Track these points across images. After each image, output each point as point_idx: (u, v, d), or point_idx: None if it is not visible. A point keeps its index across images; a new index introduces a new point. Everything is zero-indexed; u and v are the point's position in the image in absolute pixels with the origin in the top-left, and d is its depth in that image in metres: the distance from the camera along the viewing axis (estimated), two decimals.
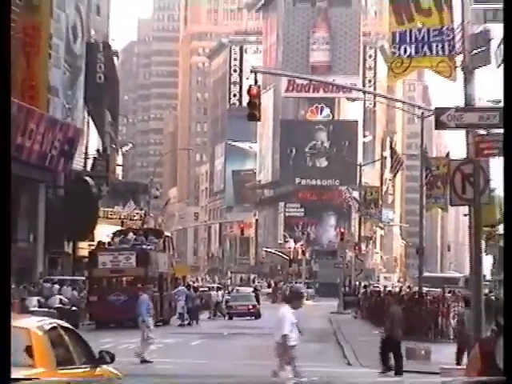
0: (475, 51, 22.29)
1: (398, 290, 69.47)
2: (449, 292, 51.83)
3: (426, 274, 67.93)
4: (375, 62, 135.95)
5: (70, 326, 15.28)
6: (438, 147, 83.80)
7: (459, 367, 24.89)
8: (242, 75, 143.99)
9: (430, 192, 46.02)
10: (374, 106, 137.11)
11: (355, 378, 23.72)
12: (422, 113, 49.41)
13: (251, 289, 73.28)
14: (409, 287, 79.45)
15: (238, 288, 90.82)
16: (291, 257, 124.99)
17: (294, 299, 21.32)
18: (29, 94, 60.13)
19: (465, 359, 24.63)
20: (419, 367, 29.76)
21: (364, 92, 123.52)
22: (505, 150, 6.95)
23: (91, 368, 13.58)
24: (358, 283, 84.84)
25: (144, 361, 32.79)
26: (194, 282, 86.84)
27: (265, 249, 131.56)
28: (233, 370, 30.11)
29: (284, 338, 20.22)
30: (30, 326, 13.26)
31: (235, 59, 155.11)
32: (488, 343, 7.53)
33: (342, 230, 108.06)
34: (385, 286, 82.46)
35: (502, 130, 21.04)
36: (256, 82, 45.43)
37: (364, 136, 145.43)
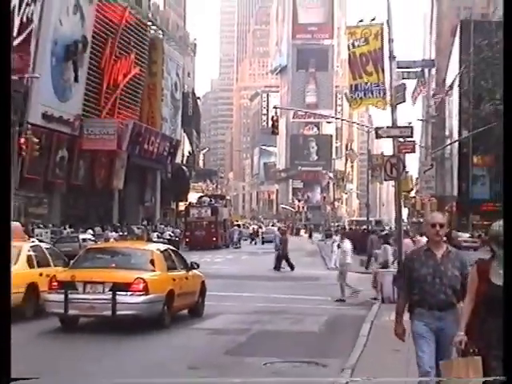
0: (397, 95, 33.28)
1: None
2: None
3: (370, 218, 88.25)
4: (342, 102, 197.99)
5: (175, 249, 26.60)
6: (377, 149, 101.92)
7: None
8: (268, 110, 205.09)
9: (373, 173, 67.43)
10: (341, 126, 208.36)
11: (332, 279, 33.28)
12: (368, 130, 68.54)
13: (276, 227, 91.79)
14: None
15: (268, 227, 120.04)
16: (296, 210, 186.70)
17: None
18: (151, 121, 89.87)
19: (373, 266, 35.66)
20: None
21: (336, 118, 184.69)
22: (505, 150, 7.08)
23: (186, 271, 22.14)
24: (332, 224, 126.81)
25: None
26: (243, 224, 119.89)
27: (282, 205, 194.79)
28: (264, 271, 44.38)
29: (347, 265, 27.74)
30: (152, 248, 23.17)
31: (264, 101, 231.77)
32: (484, 263, 8.39)
33: (324, 195, 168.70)
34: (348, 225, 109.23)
35: (413, 139, 36.11)
36: (276, 113, 58.85)
37: (336, 143, 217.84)
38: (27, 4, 55.93)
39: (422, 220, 60.97)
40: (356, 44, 38.21)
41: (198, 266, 23.14)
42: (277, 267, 46.64)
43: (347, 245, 30.85)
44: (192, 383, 4.00)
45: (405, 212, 63.01)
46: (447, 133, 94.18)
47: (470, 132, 56.44)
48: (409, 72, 44.80)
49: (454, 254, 9.68)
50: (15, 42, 55.14)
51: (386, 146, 63.69)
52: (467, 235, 56.25)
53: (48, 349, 17.09)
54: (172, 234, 73.78)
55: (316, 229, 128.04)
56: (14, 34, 54.99)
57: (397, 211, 31.92)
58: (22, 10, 55.52)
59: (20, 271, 21.04)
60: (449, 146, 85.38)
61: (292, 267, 46.23)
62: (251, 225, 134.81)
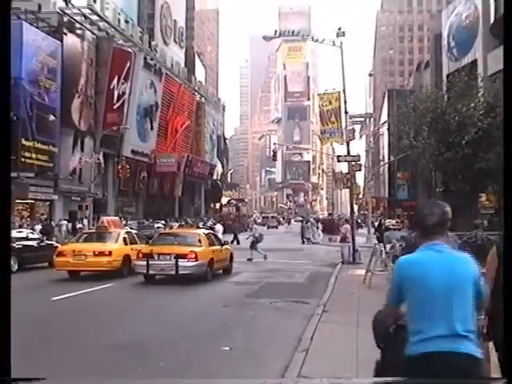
0: (349, 135, 33.51)
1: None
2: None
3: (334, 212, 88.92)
4: (315, 140, 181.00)
5: (213, 232, 26.68)
6: (338, 168, 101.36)
7: None
8: (270, 145, 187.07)
9: (335, 184, 75.32)
10: (316, 155, 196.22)
11: (309, 249, 36.21)
12: (332, 157, 73.99)
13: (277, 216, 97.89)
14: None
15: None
16: (288, 207, 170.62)
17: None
18: (198, 153, 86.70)
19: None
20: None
21: (312, 150, 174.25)
22: (505, 150, 4.19)
23: (220, 246, 21.83)
24: (312, 216, 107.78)
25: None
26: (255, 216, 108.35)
27: (280, 205, 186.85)
28: (268, 245, 37.60)
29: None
30: (199, 232, 22.65)
31: (268, 141, 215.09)
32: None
33: (305, 198, 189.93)
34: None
35: (359, 162, 35.42)
36: (275, 148, 58.55)
37: (312, 165, 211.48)
38: (122, 83, 56.08)
39: (365, 212, 60.36)
40: (324, 104, 39.55)
41: (227, 244, 23.34)
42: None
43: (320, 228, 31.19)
44: (192, 383, 3.41)
45: (355, 208, 63.91)
46: (381, 158, 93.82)
47: (394, 158, 56.04)
48: (356, 121, 44.83)
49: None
50: (115, 106, 55.34)
51: (343, 166, 63.20)
52: (394, 221, 55.98)
53: (140, 292, 17.35)
54: (211, 223, 71.69)
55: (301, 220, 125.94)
56: (114, 101, 55.23)
57: (350, 207, 31.98)
58: (119, 87, 55.70)
59: (119, 247, 21.24)
60: (382, 167, 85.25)
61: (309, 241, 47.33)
62: (259, 217, 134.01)
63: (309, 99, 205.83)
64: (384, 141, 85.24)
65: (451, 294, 3.84)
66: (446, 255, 3.95)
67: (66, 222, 43.36)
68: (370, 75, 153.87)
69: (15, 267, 22.66)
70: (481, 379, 3.84)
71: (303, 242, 46.17)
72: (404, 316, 4.11)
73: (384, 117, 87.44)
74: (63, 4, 53.91)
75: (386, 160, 79.06)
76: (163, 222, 53.07)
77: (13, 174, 41.18)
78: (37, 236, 26.94)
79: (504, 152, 4.29)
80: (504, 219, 4.33)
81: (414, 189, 63.15)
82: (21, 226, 35.65)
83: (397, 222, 52.61)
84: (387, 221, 53.09)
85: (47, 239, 29.64)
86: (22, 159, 41.71)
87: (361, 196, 71.29)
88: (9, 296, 3.18)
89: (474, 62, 46.57)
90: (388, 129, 65.87)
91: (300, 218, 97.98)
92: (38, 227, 37.72)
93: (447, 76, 47.93)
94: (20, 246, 23.44)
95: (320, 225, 54.59)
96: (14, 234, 25.27)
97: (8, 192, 3.41)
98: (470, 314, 3.91)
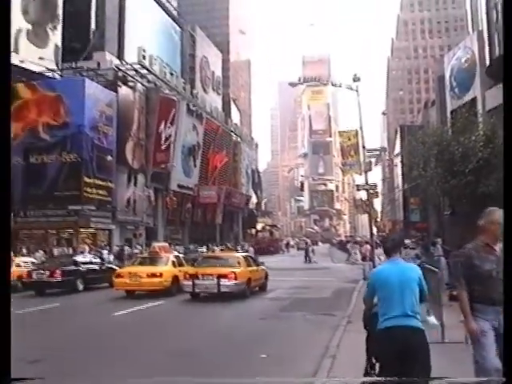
0: (367, 167, 32.80)
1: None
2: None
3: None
4: (338, 171, 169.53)
5: (253, 255, 27.96)
6: (358, 196, 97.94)
7: None
8: (298, 178, 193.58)
9: (356, 209, 63.45)
10: (338, 185, 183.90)
11: (335, 268, 35.32)
12: (353, 185, 70.51)
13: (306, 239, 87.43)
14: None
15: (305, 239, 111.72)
16: (315, 231, 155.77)
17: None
18: (234, 186, 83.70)
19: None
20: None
21: (336, 180, 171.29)
22: (505, 150, 4.60)
23: (257, 266, 21.68)
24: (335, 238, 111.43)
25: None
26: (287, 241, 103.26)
27: (307, 229, 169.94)
28: (298, 265, 37.04)
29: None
30: (238, 255, 22.72)
31: (296, 173, 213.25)
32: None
33: (330, 222, 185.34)
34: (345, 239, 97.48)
35: (377, 190, 35.15)
36: (302, 179, 59.57)
37: (336, 194, 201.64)
38: (168, 127, 56.61)
39: (384, 234, 59.70)
40: (344, 141, 40.06)
41: (263, 264, 23.32)
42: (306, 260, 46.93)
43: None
44: (192, 383, 3.47)
45: (374, 230, 63.52)
46: (396, 185, 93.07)
47: (407, 185, 55.59)
48: (372, 154, 44.86)
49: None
50: (163, 147, 55.90)
51: (363, 194, 62.69)
52: (409, 241, 55.33)
53: (187, 309, 17.47)
54: (246, 247, 70.70)
55: (327, 241, 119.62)
56: (162, 142, 55.78)
57: (370, 230, 31.98)
58: (165, 130, 56.16)
59: (169, 269, 21.41)
60: (397, 193, 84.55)
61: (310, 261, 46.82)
62: (291, 240, 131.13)
63: (330, 136, 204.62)
64: (398, 170, 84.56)
65: (403, 289, 5.35)
66: (399, 266, 5.52)
67: (127, 247, 43.73)
68: (384, 114, 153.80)
69: (81, 287, 23.08)
70: (481, 379, 4.10)
71: (306, 262, 47.05)
72: (376, 305, 5.78)
73: (397, 149, 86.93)
74: (118, 61, 55.18)
75: (401, 187, 78.46)
76: (206, 246, 53.15)
77: (77, 207, 41.93)
78: (99, 260, 27.34)
79: (504, 152, 4.70)
80: (504, 234, 4.92)
81: (425, 212, 62.41)
82: (82, 252, 36.15)
83: (412, 242, 52.07)
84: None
85: (120, 263, 30.28)
86: (85, 194, 42.37)
87: (379, 219, 70.70)
88: (9, 297, 3.01)
89: (474, 100, 46.27)
90: (401, 161, 65.44)
91: (324, 242, 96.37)
92: (105, 252, 38.23)
93: (451, 112, 47.66)
94: (85, 269, 23.84)
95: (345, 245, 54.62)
96: (80, 258, 25.76)
97: (8, 194, 3.26)
98: (416, 301, 5.39)
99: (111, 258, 36.56)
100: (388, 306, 5.40)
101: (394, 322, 5.30)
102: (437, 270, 12.11)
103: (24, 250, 36.86)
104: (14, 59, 43.87)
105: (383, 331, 5.39)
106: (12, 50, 45.05)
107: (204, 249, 49.46)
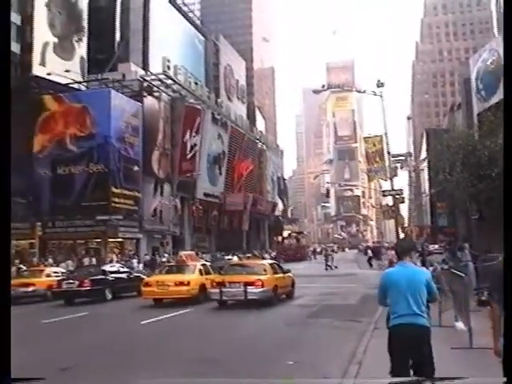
0: (392, 172, 32.69)
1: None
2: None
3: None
4: (364, 177, 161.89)
5: (276, 262, 26.25)
6: (385, 201, 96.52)
7: None
8: (324, 184, 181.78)
9: (383, 215, 60.98)
10: (364, 190, 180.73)
11: (361, 274, 36.13)
12: (379, 191, 70.32)
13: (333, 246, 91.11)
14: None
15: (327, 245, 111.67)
16: (342, 237, 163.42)
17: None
18: (260, 194, 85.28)
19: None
20: None
21: (362, 186, 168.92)
22: (505, 150, 4.55)
23: (283, 274, 21.45)
24: (362, 244, 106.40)
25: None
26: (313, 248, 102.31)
27: (334, 235, 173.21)
28: (324, 272, 41.64)
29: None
30: (265, 262, 23.24)
31: (322, 180, 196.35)
32: None
33: (357, 228, 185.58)
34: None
35: (403, 195, 34.87)
36: (328, 186, 59.31)
37: (362, 199, 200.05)
38: (193, 136, 56.97)
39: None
40: (369, 147, 39.95)
41: (290, 271, 23.23)
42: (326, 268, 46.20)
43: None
44: (192, 383, 3.51)
45: (401, 235, 62.83)
46: (422, 190, 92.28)
47: (434, 190, 55.11)
48: (398, 159, 44.40)
49: None
50: (188, 156, 56.25)
51: (389, 200, 61.83)
52: (436, 246, 54.79)
53: (216, 315, 17.56)
54: (273, 254, 70.56)
55: (354, 247, 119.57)
56: (188, 151, 56.14)
57: (396, 235, 31.85)
58: (191, 139, 56.55)
59: (196, 277, 21.53)
60: (424, 198, 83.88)
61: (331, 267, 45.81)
62: (318, 247, 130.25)
63: (356, 142, 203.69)
64: (424, 175, 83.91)
65: (411, 290, 5.77)
66: (409, 269, 5.93)
67: (158, 256, 43.95)
68: (409, 118, 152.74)
69: (109, 296, 23.31)
70: (481, 379, 3.66)
71: (326, 269, 45.44)
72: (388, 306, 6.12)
73: (423, 154, 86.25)
74: (143, 72, 55.79)
75: (427, 192, 77.81)
76: (233, 254, 53.24)
77: (104, 217, 42.38)
78: (127, 269, 27.58)
79: (504, 152, 4.69)
80: (504, 234, 4.40)
81: (452, 216, 61.81)
82: (111, 261, 36.53)
83: (440, 247, 51.53)
84: (430, 246, 52.00)
85: (152, 271, 30.60)
86: (112, 204, 42.84)
87: (406, 225, 70.06)
88: (9, 297, 3.00)
89: (500, 102, 45.81)
90: (428, 166, 64.92)
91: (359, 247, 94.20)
92: (135, 261, 38.59)
93: (477, 115, 47.22)
94: (113, 279, 24.08)
95: (369, 251, 54.00)
96: (108, 268, 26.02)
97: (8, 194, 3.26)
98: (423, 302, 5.80)
99: (141, 267, 36.93)
100: (397, 305, 5.88)
101: (402, 320, 5.79)
102: (464, 275, 12.00)
103: (51, 260, 37.36)
104: (41, 72, 44.72)
105: (393, 328, 5.93)
106: (39, 63, 45.95)
107: (231, 256, 49.13)
